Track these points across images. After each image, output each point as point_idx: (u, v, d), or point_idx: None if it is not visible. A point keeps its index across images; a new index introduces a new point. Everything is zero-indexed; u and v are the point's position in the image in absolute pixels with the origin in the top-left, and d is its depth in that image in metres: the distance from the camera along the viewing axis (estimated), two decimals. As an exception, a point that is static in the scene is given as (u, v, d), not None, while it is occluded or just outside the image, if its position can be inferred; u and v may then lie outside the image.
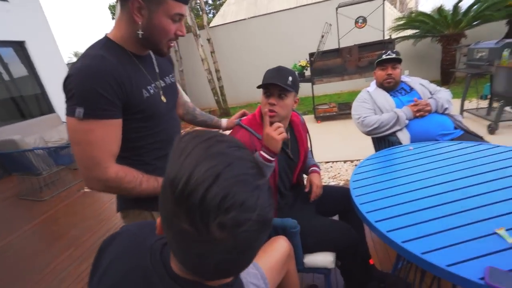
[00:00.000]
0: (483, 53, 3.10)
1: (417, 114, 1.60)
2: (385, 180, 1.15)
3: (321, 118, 4.55)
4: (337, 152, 3.25)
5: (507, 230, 0.74)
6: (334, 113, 4.48)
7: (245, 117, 1.27)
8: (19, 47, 5.17)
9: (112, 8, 22.05)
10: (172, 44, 0.82)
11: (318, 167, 1.41)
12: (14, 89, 5.98)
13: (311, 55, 4.35)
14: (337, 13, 4.56)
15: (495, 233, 0.74)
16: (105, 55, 0.72)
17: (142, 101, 0.80)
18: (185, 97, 1.25)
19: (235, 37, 7.24)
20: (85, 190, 3.54)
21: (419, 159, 1.28)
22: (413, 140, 1.58)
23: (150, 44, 0.79)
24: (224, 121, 1.35)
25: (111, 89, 0.71)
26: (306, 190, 1.31)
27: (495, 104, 3.16)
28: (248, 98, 7.69)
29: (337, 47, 4.37)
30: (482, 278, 0.62)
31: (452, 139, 1.54)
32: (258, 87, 1.13)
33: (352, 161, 3.00)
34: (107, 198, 3.20)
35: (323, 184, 1.41)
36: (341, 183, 2.60)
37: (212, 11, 22.45)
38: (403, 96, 1.73)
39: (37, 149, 3.35)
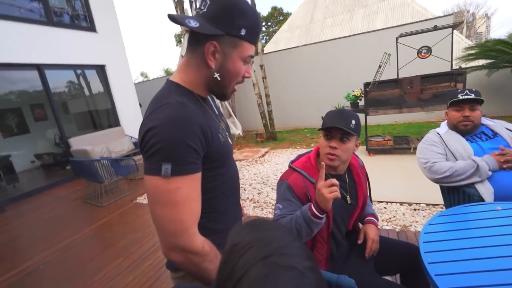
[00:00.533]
0: None
1: (505, 166, 1.36)
2: (466, 247, 0.97)
3: (373, 151, 4.25)
4: (392, 192, 2.95)
5: None
6: (389, 146, 4.15)
7: (298, 160, 1.21)
8: (100, 69, 6.06)
9: (177, 37, 24.72)
10: (235, 89, 0.78)
11: (376, 217, 1.27)
12: (91, 104, 6.98)
13: (366, 85, 4.17)
14: (397, 42, 4.36)
15: None
16: (185, 103, 0.67)
17: (220, 147, 0.74)
18: None
19: (287, 63, 7.40)
20: (137, 201, 3.81)
21: (510, 224, 1.06)
22: (498, 197, 1.33)
23: (218, 88, 0.75)
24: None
25: (198, 140, 0.65)
26: (360, 242, 1.18)
27: None
28: (296, 123, 7.66)
29: (395, 77, 4.12)
30: None
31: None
32: (320, 129, 1.09)
33: (410, 204, 2.68)
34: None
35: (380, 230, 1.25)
36: (397, 229, 2.32)
37: (265, 37, 23.68)
38: (484, 143, 1.50)
39: (103, 159, 3.76)
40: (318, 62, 7.01)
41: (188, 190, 0.64)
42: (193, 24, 0.64)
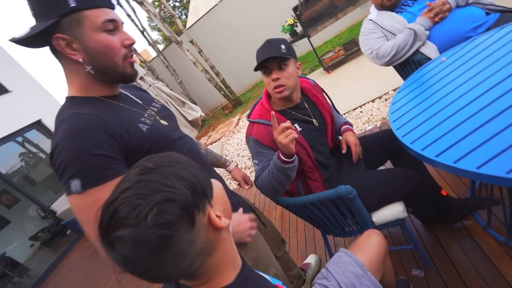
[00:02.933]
0: None
1: (436, 19, 1.39)
2: (428, 107, 1.02)
3: (331, 67, 4.28)
4: (361, 94, 3.04)
5: None
6: (342, 56, 4.18)
7: (254, 111, 1.19)
8: (38, 125, 5.56)
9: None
10: (132, 60, 0.70)
11: (349, 123, 1.31)
12: (52, 163, 6.50)
13: (295, 9, 4.04)
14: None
15: None
16: (79, 112, 0.62)
17: (145, 136, 0.69)
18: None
19: (215, 26, 7.00)
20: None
21: (457, 68, 1.12)
22: (442, 49, 1.38)
23: (109, 74, 0.67)
24: (232, 165, 1.24)
25: (105, 143, 0.60)
26: (344, 151, 1.23)
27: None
28: (252, 79, 7.50)
29: (318, -13, 3.99)
30: None
31: (488, 29, 1.32)
32: (256, 69, 1.06)
33: (380, 97, 2.79)
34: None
35: (361, 132, 1.31)
36: (378, 124, 2.44)
37: (183, 12, 22.00)
38: (411, 8, 1.51)
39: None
40: (243, 10, 6.66)
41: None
42: (24, 33, 0.57)
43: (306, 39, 4.15)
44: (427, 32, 1.42)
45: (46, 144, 5.90)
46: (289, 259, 1.32)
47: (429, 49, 1.41)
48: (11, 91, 5.28)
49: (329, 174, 1.20)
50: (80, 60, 0.63)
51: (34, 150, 6.23)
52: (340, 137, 1.31)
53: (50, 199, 5.90)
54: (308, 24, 4.06)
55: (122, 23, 0.68)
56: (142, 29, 7.45)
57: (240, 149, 3.93)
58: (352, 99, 3.07)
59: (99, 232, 0.38)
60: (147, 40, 7.50)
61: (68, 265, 4.51)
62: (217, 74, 6.46)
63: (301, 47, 5.96)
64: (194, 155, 0.85)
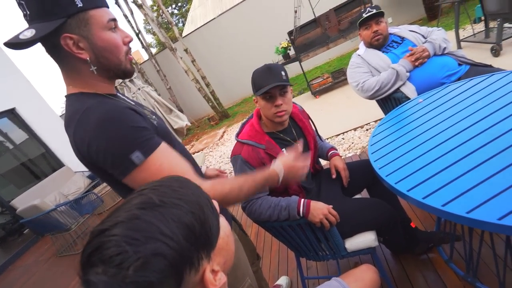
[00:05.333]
0: (464, -24, 2.93)
1: (416, 63, 1.52)
2: (404, 142, 1.10)
3: (318, 92, 4.45)
4: (345, 122, 3.17)
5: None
6: (330, 83, 4.37)
7: (243, 130, 1.21)
8: (12, 114, 5.25)
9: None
10: (131, 57, 0.74)
11: (335, 148, 1.37)
12: (21, 155, 6.14)
13: (290, 33, 4.23)
14: (303, -17, 4.39)
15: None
16: (100, 100, 0.64)
17: (157, 129, 0.71)
18: None
19: (211, 38, 7.12)
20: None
21: (432, 109, 1.22)
22: (420, 91, 1.51)
23: (112, 71, 0.69)
24: (203, 168, 1.22)
25: (138, 118, 0.64)
26: (334, 176, 1.28)
27: (492, 24, 3.00)
28: (241, 94, 7.61)
29: (313, 17, 4.23)
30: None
31: (459, 78, 1.46)
32: (259, 94, 1.08)
33: (362, 127, 2.93)
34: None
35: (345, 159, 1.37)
36: (358, 152, 2.55)
37: (180, 19, 22.23)
38: (396, 49, 1.65)
39: (58, 206, 3.43)
40: (240, 27, 6.86)
41: (168, 159, 0.65)
42: (30, 34, 0.56)
43: (297, 62, 4.33)
44: (408, 74, 1.54)
45: (17, 135, 5.56)
46: (261, 277, 1.31)
47: (409, 89, 1.53)
48: (-14, 76, 5.00)
49: (309, 197, 1.23)
50: (87, 58, 0.64)
51: (1, 139, 5.84)
52: (323, 161, 1.36)
53: (10, 194, 5.49)
54: (301, 49, 4.25)
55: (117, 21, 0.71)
56: (137, 31, 7.42)
57: (222, 162, 3.91)
58: (335, 126, 3.20)
59: (80, 259, 0.33)
60: (141, 43, 7.47)
61: (21, 268, 4.14)
62: (208, 85, 6.50)
63: (292, 69, 6.18)
64: (188, 158, 0.85)
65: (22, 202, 4.71)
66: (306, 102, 4.47)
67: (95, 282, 0.30)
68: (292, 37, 4.20)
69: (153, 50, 14.96)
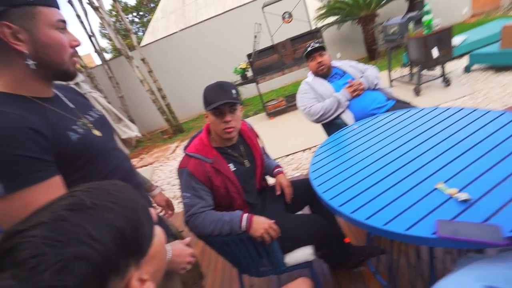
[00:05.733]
0: (394, 28, 3.49)
1: (354, 94, 1.73)
2: (340, 163, 1.22)
3: (272, 114, 4.67)
4: (295, 143, 3.36)
5: (444, 182, 0.84)
6: (284, 106, 4.63)
7: (191, 144, 1.22)
8: None
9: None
10: (76, 60, 0.71)
11: (280, 166, 1.44)
12: None
13: (249, 56, 4.43)
14: (263, 12, 4.71)
15: (435, 188, 0.83)
16: (3, 110, 0.58)
17: (74, 145, 0.66)
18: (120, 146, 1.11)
19: (170, 52, 7.03)
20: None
21: (364, 135, 1.39)
22: (356, 118, 1.71)
23: (54, 70, 0.66)
24: (157, 190, 1.20)
25: (32, 144, 0.57)
26: (278, 193, 1.33)
27: (415, 70, 3.59)
28: (198, 110, 7.52)
29: (271, 44, 4.52)
30: (435, 233, 0.69)
31: (387, 110, 1.70)
32: (210, 109, 1.10)
33: (310, 149, 3.13)
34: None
35: (289, 177, 1.44)
36: (305, 172, 2.70)
37: (140, 29, 21.54)
38: (339, 80, 1.86)
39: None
40: (201, 44, 6.94)
41: (44, 199, 0.55)
42: None
43: (254, 84, 4.52)
44: (347, 103, 1.74)
45: None
46: None
47: (347, 116, 1.72)
48: None
49: (254, 213, 1.25)
50: (25, 51, 0.61)
51: None
52: (269, 178, 1.41)
53: None
54: (258, 71, 4.47)
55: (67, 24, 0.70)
56: (91, 34, 6.95)
57: (172, 177, 3.75)
58: (286, 146, 3.36)
59: None
60: (94, 46, 6.99)
61: None
62: (163, 97, 6.31)
63: (249, 90, 6.41)
64: (124, 171, 0.81)
65: None
66: (261, 123, 4.63)
67: (1, 286, 0.27)
68: (250, 60, 4.40)
69: (108, 56, 14.06)
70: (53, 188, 0.59)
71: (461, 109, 1.29)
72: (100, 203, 0.34)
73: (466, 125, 1.14)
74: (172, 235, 1.03)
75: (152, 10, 20.87)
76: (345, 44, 6.69)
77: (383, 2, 5.73)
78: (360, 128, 1.50)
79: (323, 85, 1.86)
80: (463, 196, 0.75)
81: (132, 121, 6.42)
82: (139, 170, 1.20)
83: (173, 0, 13.47)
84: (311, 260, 1.17)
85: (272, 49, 4.48)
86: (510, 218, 0.66)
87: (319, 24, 6.24)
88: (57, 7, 0.66)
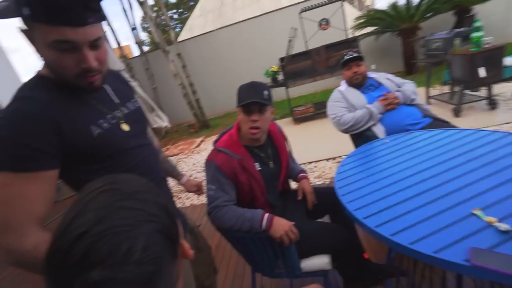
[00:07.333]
0: (438, 43, 3.33)
1: (388, 108, 1.69)
2: (368, 175, 1.20)
3: (299, 119, 4.64)
4: (319, 151, 3.32)
5: (482, 209, 0.79)
6: (311, 113, 4.59)
7: (221, 139, 1.25)
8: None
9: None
10: (92, 79, 0.66)
11: (305, 172, 1.44)
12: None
13: (282, 59, 4.45)
14: (300, 17, 4.71)
15: (472, 214, 0.79)
16: (34, 96, 0.62)
17: (93, 140, 0.67)
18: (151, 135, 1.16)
19: (205, 49, 7.25)
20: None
21: (396, 151, 1.35)
22: (388, 132, 1.66)
23: (63, 80, 0.65)
24: (185, 178, 1.24)
25: (39, 135, 0.59)
26: (299, 198, 1.33)
27: (456, 89, 3.39)
28: (225, 107, 7.68)
29: (305, 49, 4.51)
30: (468, 260, 0.65)
31: (422, 128, 1.63)
32: (239, 106, 1.14)
33: (334, 158, 3.08)
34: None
35: (311, 184, 1.43)
36: (327, 182, 2.66)
37: (178, 25, 22.40)
38: (373, 92, 1.82)
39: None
40: (235, 44, 7.07)
41: (21, 188, 0.58)
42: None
43: (284, 88, 4.52)
44: (380, 116, 1.70)
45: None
46: None
47: (379, 130, 1.67)
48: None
49: (274, 214, 1.26)
50: (41, 57, 0.63)
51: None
52: (294, 183, 1.41)
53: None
54: (289, 76, 4.47)
55: (96, 39, 0.62)
56: (133, 27, 7.37)
57: (195, 170, 3.86)
58: (310, 153, 3.33)
59: (54, 273, 0.29)
60: (135, 38, 7.39)
61: None
62: (194, 92, 6.51)
63: (277, 93, 6.40)
64: (147, 166, 0.82)
65: None
66: (286, 127, 4.62)
67: (99, 281, 0.28)
68: (283, 63, 4.42)
69: (145, 48, 14.80)
70: (37, 181, 0.60)
71: (508, 134, 1.21)
72: (136, 188, 0.36)
73: (512, 152, 1.07)
74: (189, 230, 1.07)
75: (191, 8, 21.61)
76: (382, 56, 6.48)
77: (428, 15, 5.49)
78: (392, 143, 1.45)
79: (356, 95, 1.82)
80: (504, 226, 0.71)
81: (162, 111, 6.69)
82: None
83: (212, 0, 13.88)
84: (327, 270, 1.15)
85: (305, 54, 4.46)
86: (555, 255, 0.62)
87: (357, 33, 6.11)
88: (66, 24, 0.57)
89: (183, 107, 7.05)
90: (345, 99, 1.84)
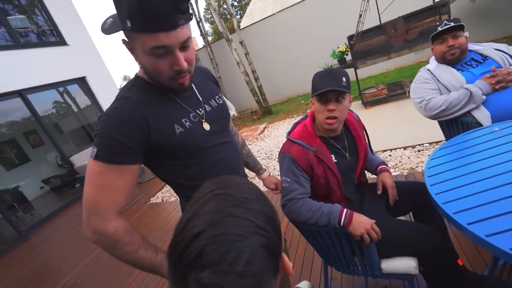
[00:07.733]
0: None
1: (497, 87, 1.35)
2: (469, 172, 1.00)
3: (369, 103, 4.24)
4: (394, 139, 2.98)
5: None
6: (384, 95, 4.13)
7: (295, 129, 1.21)
8: (82, 82, 5.92)
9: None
10: (182, 80, 0.71)
11: (386, 164, 1.30)
12: (83, 118, 6.91)
13: (350, 38, 4.06)
14: (373, -14, 4.17)
15: None
16: (130, 96, 0.71)
17: (175, 139, 0.74)
18: (234, 130, 1.16)
19: (266, 34, 7.17)
20: (151, 201, 3.89)
21: (509, 142, 1.08)
22: (495, 119, 1.35)
23: (158, 83, 0.73)
24: (266, 174, 1.26)
25: (130, 133, 0.67)
26: (379, 192, 1.22)
27: None
28: (288, 93, 7.57)
29: (378, 24, 4.00)
30: None
31: (550, 111, 1.27)
32: (314, 95, 1.08)
33: (413, 147, 2.72)
34: (171, 207, 3.47)
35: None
36: (405, 172, 2.38)
37: (239, 12, 22.73)
38: (475, 69, 1.48)
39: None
40: (297, 26, 6.79)
41: (112, 178, 0.68)
42: (106, 26, 0.69)
43: (352, 69, 4.15)
44: (484, 97, 1.38)
45: (82, 100, 6.26)
46: (286, 281, 1.31)
47: (482, 115, 1.37)
48: (69, 45, 5.69)
49: (350, 208, 1.19)
50: (139, 63, 0.72)
51: (70, 103, 6.62)
52: (374, 176, 1.30)
53: (71, 150, 6.23)
54: (359, 55, 4.07)
55: (186, 40, 0.65)
56: (199, 19, 7.78)
57: (259, 157, 3.95)
58: (383, 141, 3.02)
59: (174, 263, 0.33)
60: (200, 30, 7.82)
61: (68, 217, 4.71)
62: (256, 79, 6.58)
63: (344, 75, 5.94)
64: (226, 166, 0.84)
65: (79, 159, 5.33)
66: (355, 112, 4.27)
67: (206, 284, 0.29)
68: (351, 42, 4.04)
69: (208, 39, 15.60)
70: (125, 173, 0.69)
71: None
72: (247, 195, 0.36)
73: None
74: None
75: (251, -7, 21.53)
76: (480, 20, 5.28)
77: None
78: (502, 132, 1.17)
79: (450, 74, 1.52)
80: None
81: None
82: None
83: (272, -19, 13.49)
84: (413, 274, 1.04)
85: (378, 29, 3.97)
86: None
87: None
88: (160, 30, 0.60)
89: (246, 94, 7.25)
90: (435, 79, 1.56)
